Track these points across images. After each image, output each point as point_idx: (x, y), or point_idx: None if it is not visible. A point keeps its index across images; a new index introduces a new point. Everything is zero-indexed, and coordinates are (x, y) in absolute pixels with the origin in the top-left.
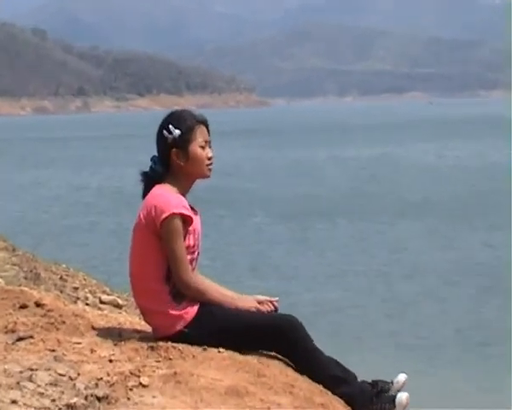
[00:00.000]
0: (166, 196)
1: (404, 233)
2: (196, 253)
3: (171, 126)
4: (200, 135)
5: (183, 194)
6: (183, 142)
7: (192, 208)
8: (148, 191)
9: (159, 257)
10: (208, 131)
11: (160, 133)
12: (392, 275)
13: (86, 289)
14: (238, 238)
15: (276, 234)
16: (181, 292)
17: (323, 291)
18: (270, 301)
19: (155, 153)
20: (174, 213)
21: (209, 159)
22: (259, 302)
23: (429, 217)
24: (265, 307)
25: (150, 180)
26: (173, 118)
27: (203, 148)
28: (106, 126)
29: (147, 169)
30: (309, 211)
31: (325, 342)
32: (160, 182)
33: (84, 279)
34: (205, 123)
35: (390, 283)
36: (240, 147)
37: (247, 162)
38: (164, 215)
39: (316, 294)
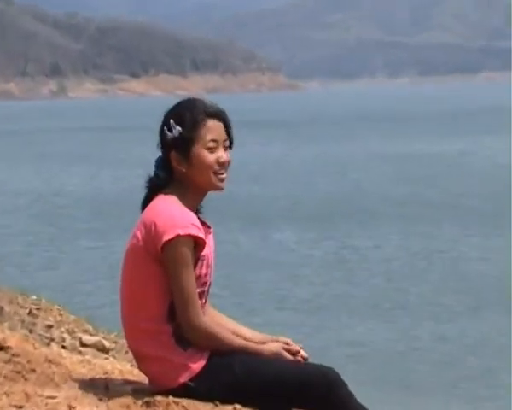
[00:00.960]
0: (170, 211)
1: (468, 250)
2: (208, 283)
3: (172, 121)
4: (209, 133)
5: (192, 208)
6: (184, 142)
7: (203, 223)
8: (149, 202)
9: (160, 288)
10: (227, 127)
11: (161, 131)
12: (452, 307)
13: (63, 328)
14: (256, 259)
15: (304, 253)
16: None
17: (364, 328)
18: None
19: (151, 151)
20: (180, 235)
21: (220, 164)
22: (286, 346)
23: (496, 229)
24: (294, 354)
25: (153, 188)
26: (177, 110)
27: (212, 150)
28: (88, 116)
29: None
30: (347, 223)
31: (367, 392)
32: (164, 191)
33: (60, 315)
34: (219, 116)
35: (448, 318)
36: (260, 143)
37: (268, 163)
38: (167, 237)
39: (355, 331)
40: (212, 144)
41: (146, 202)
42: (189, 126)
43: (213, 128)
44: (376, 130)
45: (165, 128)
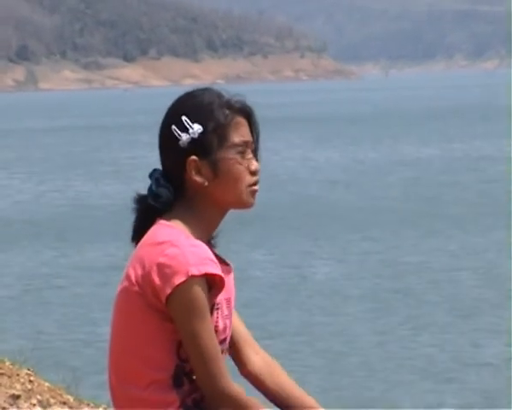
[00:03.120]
0: (180, 244)
1: None
2: (228, 340)
3: (185, 119)
4: (236, 133)
5: (206, 237)
6: (208, 145)
7: (221, 261)
8: (144, 231)
9: (163, 347)
10: (251, 126)
11: (165, 131)
12: None
13: (34, 399)
14: (286, 296)
15: (357, 298)
16: (201, 406)
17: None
18: None
19: (156, 164)
20: (194, 276)
21: (252, 174)
22: None
23: None
24: None
25: (149, 212)
26: (189, 105)
27: (242, 155)
28: (65, 113)
29: (144, 190)
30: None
31: None
32: (165, 216)
33: (31, 381)
34: (246, 112)
35: None
36: (297, 145)
37: (303, 169)
38: (178, 279)
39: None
40: (241, 148)
41: (140, 232)
42: (212, 124)
43: (241, 127)
44: (454, 131)
45: (173, 128)
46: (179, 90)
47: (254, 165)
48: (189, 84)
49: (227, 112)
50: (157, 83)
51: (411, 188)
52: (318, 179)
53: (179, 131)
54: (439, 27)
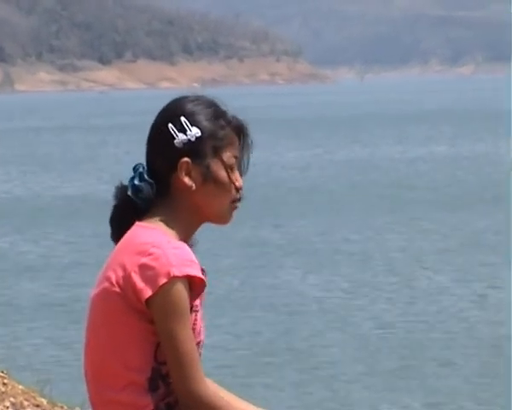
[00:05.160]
0: (161, 245)
1: None
2: (202, 343)
3: (184, 120)
4: (229, 147)
5: (185, 240)
6: (203, 151)
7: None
8: (125, 229)
9: (140, 349)
10: (242, 143)
11: (161, 127)
12: None
13: (7, 402)
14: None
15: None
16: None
17: None
18: None
19: (135, 160)
20: (176, 277)
21: (237, 190)
22: None
23: None
24: None
25: (128, 207)
26: (190, 108)
27: (231, 169)
28: (43, 115)
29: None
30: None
31: None
32: (145, 217)
33: (4, 384)
34: (239, 129)
35: None
36: (272, 147)
37: (288, 169)
38: (160, 281)
39: None
40: (232, 161)
41: (121, 229)
42: (210, 132)
43: (234, 142)
44: (432, 134)
45: (170, 126)
46: (155, 93)
47: (239, 181)
48: (164, 87)
49: (224, 124)
50: (132, 85)
51: (381, 188)
52: (290, 179)
53: (176, 131)
54: (416, 32)
